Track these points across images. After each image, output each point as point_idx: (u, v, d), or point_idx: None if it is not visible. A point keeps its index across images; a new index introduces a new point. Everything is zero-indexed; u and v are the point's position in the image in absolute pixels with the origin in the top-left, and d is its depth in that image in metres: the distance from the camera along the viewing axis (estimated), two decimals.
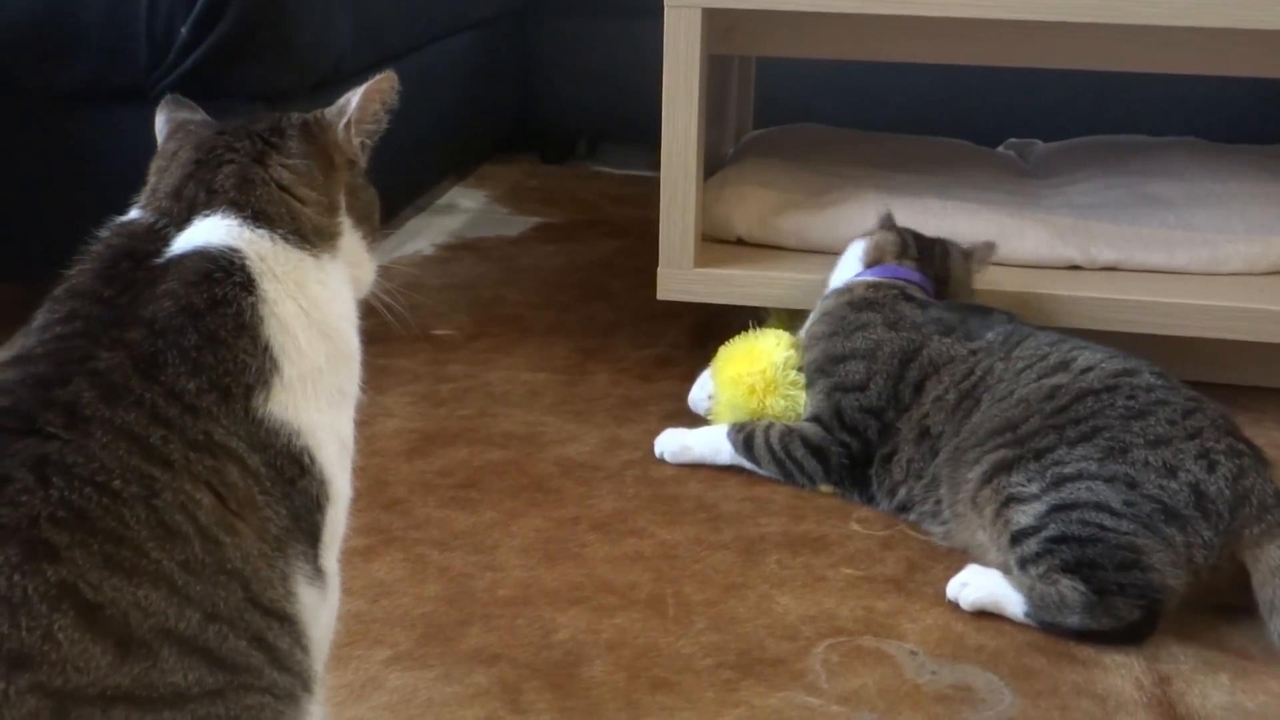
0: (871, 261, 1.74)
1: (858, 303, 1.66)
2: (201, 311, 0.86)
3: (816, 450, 1.59)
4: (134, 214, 0.94)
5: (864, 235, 1.79)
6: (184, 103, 1.04)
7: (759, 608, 1.36)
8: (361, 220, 1.01)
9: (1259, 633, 1.31)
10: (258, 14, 1.82)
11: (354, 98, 0.99)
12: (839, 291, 1.71)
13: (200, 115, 1.03)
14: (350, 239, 0.99)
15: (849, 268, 1.75)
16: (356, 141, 1.00)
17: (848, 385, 1.59)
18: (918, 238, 1.77)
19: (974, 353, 1.55)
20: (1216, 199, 1.98)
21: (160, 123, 1.02)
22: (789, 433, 1.61)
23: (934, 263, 1.74)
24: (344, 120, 0.99)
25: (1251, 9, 1.64)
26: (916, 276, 1.71)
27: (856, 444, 1.58)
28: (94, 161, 1.88)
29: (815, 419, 1.61)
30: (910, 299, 1.65)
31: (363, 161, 1.03)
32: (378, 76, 1.00)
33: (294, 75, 1.92)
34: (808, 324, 1.72)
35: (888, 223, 1.80)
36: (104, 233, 0.92)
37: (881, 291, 1.67)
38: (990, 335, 1.57)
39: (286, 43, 1.89)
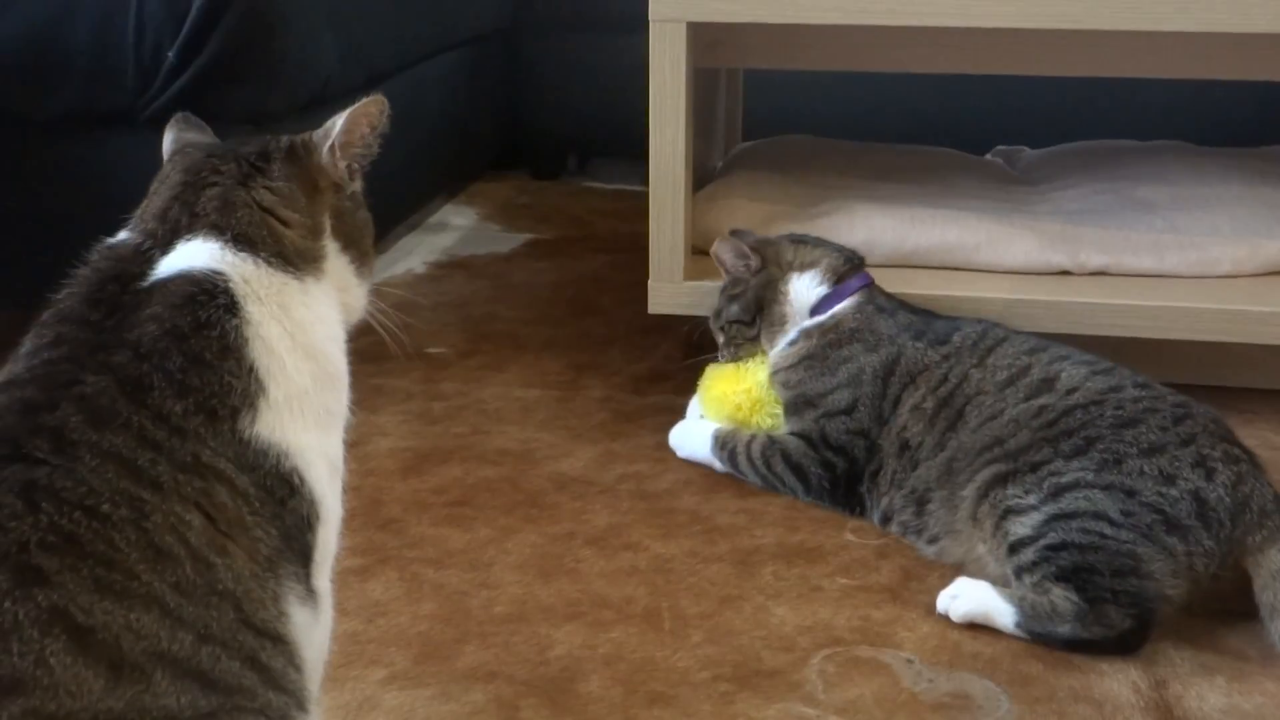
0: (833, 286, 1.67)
1: (843, 338, 1.62)
2: (186, 334, 0.86)
3: (796, 468, 1.59)
4: (123, 235, 0.95)
5: (801, 267, 1.68)
6: (193, 122, 1.05)
7: (755, 619, 1.36)
8: (349, 244, 1.00)
9: (1255, 634, 1.31)
10: (245, 37, 1.82)
11: (339, 120, 0.99)
12: (822, 329, 1.64)
13: (208, 136, 1.04)
14: (337, 263, 0.99)
15: (806, 299, 1.67)
16: (343, 164, 1.00)
17: (833, 410, 1.59)
18: (834, 245, 1.73)
19: (945, 358, 1.55)
20: (1204, 202, 1.99)
21: (167, 142, 1.03)
22: (770, 445, 1.61)
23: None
24: (329, 143, 0.99)
25: (1233, 13, 1.65)
26: (868, 277, 1.69)
27: (842, 463, 1.57)
28: (83, 186, 1.88)
29: (799, 434, 1.61)
30: (880, 308, 1.64)
31: (352, 186, 1.02)
32: (365, 100, 0.99)
33: (282, 97, 1.93)
34: (781, 364, 1.65)
35: (756, 242, 1.72)
36: (92, 255, 0.93)
37: (862, 316, 1.63)
38: (957, 338, 1.57)
39: (274, 65, 1.89)
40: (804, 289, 1.68)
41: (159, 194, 0.96)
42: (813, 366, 1.62)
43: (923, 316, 1.64)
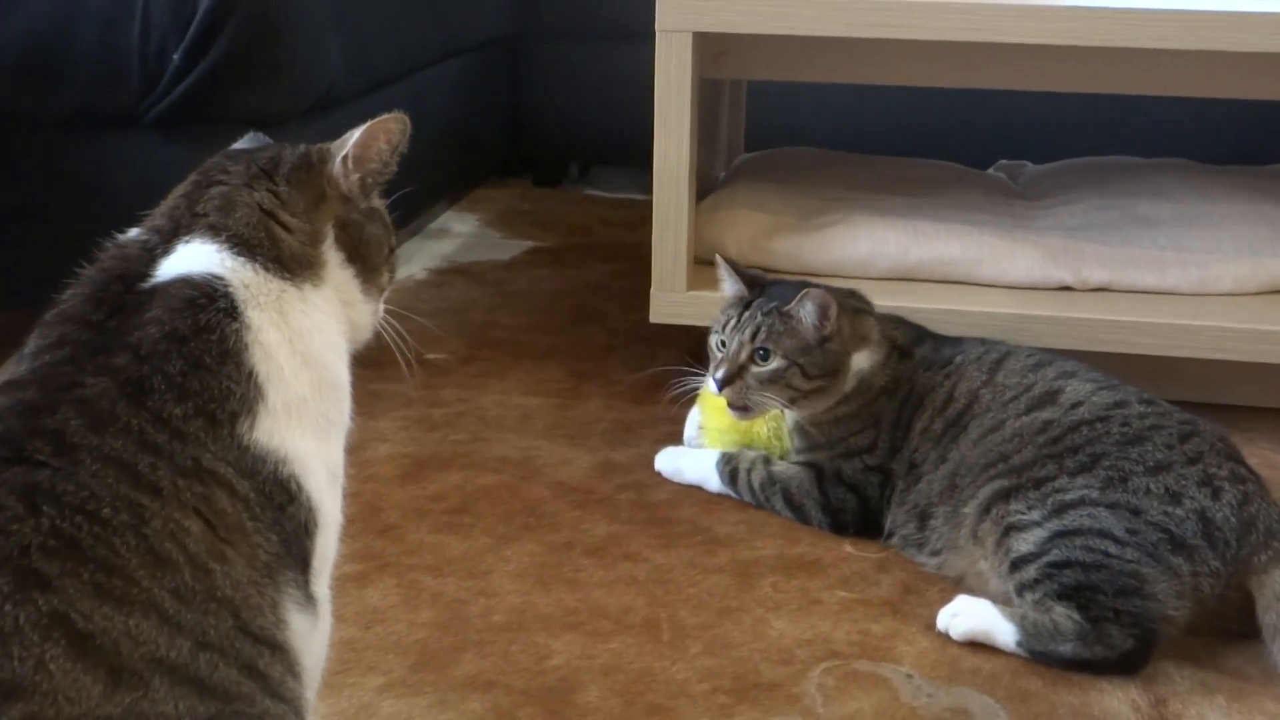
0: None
1: (876, 395, 1.55)
2: (186, 337, 0.86)
3: (796, 508, 1.57)
4: (134, 231, 0.95)
5: (861, 343, 1.56)
6: (260, 139, 1.05)
7: (754, 631, 1.35)
8: (355, 258, 0.99)
9: (1256, 654, 1.31)
10: (250, 40, 1.82)
11: (356, 133, 0.98)
12: (857, 391, 1.56)
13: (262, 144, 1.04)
14: (340, 275, 0.98)
15: (858, 371, 1.57)
16: (355, 177, 0.99)
17: (852, 450, 1.56)
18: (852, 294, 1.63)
19: (947, 376, 1.54)
20: (1206, 220, 1.99)
21: None
22: (770, 483, 1.59)
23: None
24: (342, 153, 0.98)
25: (1237, 31, 1.66)
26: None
27: (853, 500, 1.54)
28: (86, 188, 1.88)
29: (810, 465, 1.57)
30: (903, 351, 1.59)
31: (366, 201, 1.01)
32: (386, 115, 0.98)
33: (286, 101, 1.93)
34: (814, 419, 1.57)
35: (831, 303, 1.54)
36: (101, 252, 0.93)
37: (889, 371, 1.57)
38: (960, 357, 1.55)
39: (279, 68, 1.89)
40: (864, 363, 1.57)
41: (174, 191, 0.96)
42: (847, 422, 1.57)
43: (932, 343, 1.60)
